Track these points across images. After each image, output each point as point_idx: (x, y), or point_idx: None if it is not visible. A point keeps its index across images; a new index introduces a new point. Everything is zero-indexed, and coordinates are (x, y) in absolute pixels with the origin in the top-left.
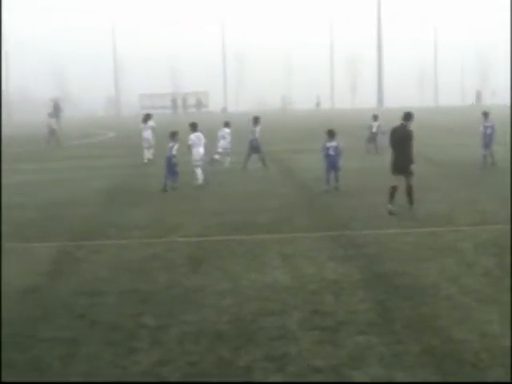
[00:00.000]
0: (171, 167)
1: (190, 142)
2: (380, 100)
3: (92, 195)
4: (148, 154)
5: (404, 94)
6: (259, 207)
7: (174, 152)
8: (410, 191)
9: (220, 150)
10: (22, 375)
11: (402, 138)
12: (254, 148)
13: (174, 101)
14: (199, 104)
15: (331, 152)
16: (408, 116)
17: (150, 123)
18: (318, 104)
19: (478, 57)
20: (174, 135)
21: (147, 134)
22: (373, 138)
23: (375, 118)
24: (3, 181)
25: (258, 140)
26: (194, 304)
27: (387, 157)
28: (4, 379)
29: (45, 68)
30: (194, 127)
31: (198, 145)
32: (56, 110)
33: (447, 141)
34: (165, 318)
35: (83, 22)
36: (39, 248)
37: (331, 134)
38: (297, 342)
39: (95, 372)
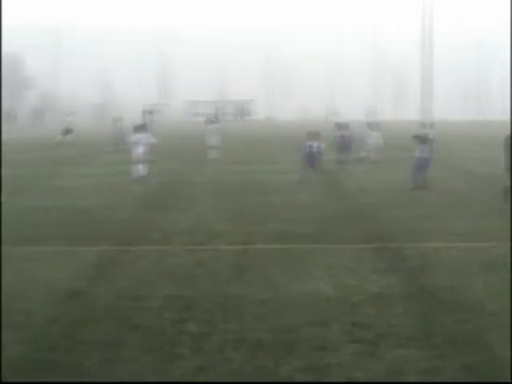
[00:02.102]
0: (312, 162)
1: (137, 141)
2: (425, 111)
3: (134, 200)
4: (213, 154)
5: (448, 106)
6: (302, 216)
7: (317, 149)
8: None
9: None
10: (64, 377)
11: None
12: (344, 148)
13: (217, 108)
14: (245, 112)
15: (425, 155)
16: None
17: (217, 125)
18: (372, 114)
19: None
20: (316, 134)
21: (212, 134)
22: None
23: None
24: (53, 184)
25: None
26: (236, 312)
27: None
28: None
29: (91, 74)
30: (140, 129)
31: (138, 144)
32: (149, 113)
33: (492, 154)
34: (207, 324)
35: (131, 28)
36: (83, 252)
37: (423, 139)
38: (337, 353)
39: (136, 377)
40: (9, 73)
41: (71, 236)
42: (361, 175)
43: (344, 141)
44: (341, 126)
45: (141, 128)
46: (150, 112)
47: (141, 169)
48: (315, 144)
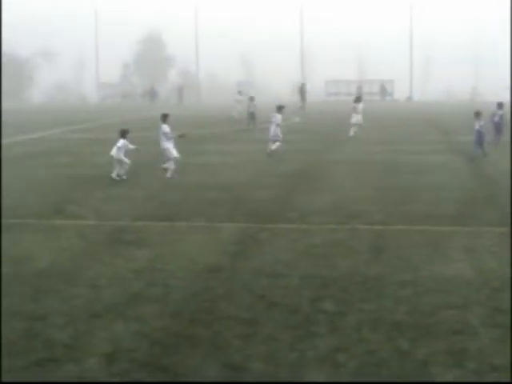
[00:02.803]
0: (479, 141)
1: (273, 120)
2: None
3: (273, 179)
4: (351, 132)
5: None
6: (443, 198)
7: (481, 128)
8: None
9: None
10: (203, 351)
11: None
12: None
13: (359, 88)
14: (385, 92)
15: None
16: None
17: (361, 105)
18: None
19: None
20: (479, 114)
21: (356, 113)
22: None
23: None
24: (191, 161)
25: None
26: (373, 292)
27: None
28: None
29: (232, 54)
30: (279, 109)
31: (273, 123)
32: (302, 93)
33: None
34: (343, 304)
35: (272, 9)
36: (223, 228)
37: None
38: (477, 338)
39: (274, 354)
40: (151, 53)
41: (212, 212)
42: None
43: (500, 122)
44: (499, 107)
45: (280, 108)
46: (302, 91)
47: (270, 146)
48: (481, 123)
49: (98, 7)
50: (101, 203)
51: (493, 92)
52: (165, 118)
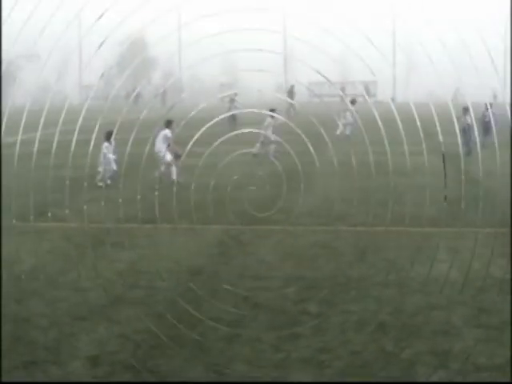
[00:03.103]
0: (469, 136)
1: (265, 123)
2: None
3: (258, 180)
4: (347, 131)
5: None
6: (431, 199)
7: (471, 124)
8: None
9: None
10: (188, 353)
11: None
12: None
13: (342, 89)
14: (368, 93)
15: None
16: None
17: (352, 107)
18: (494, 97)
19: None
20: (467, 110)
21: (349, 114)
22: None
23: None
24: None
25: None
26: (357, 293)
27: None
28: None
29: (216, 57)
30: (270, 111)
31: (264, 125)
32: (290, 95)
33: None
34: (328, 305)
35: (257, 12)
36: (208, 230)
37: None
38: (461, 338)
39: (258, 355)
40: (134, 55)
41: (196, 214)
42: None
43: (489, 123)
44: (487, 108)
45: (271, 111)
46: (290, 92)
47: (263, 148)
48: (469, 121)
49: (80, 10)
50: (85, 205)
51: (474, 94)
52: (169, 123)
